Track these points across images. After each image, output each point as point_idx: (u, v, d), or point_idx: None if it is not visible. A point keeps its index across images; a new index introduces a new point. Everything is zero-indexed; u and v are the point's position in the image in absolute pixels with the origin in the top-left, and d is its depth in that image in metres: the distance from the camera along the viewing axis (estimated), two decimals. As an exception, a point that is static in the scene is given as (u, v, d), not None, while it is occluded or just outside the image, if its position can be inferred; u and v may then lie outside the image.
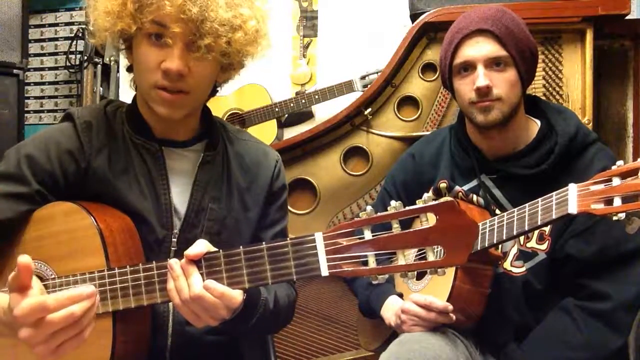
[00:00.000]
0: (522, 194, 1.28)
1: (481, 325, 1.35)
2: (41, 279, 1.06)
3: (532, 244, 1.34)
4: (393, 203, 0.88)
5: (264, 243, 0.95)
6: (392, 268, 0.88)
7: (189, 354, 1.18)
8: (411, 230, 0.86)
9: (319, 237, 0.91)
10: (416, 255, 1.31)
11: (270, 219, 1.28)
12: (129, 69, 1.18)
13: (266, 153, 1.30)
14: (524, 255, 1.35)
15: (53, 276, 1.06)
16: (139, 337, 1.09)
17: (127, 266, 1.01)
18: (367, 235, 0.87)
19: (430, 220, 0.85)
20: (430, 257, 0.86)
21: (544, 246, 1.33)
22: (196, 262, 0.97)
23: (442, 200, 1.42)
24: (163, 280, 1.00)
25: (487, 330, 1.36)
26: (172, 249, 1.15)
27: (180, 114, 1.12)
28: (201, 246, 0.99)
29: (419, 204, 0.86)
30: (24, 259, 0.86)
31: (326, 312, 2.09)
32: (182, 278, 0.97)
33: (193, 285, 0.96)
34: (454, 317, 1.27)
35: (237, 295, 0.97)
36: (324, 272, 0.90)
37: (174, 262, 0.98)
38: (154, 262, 1.00)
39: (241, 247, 0.96)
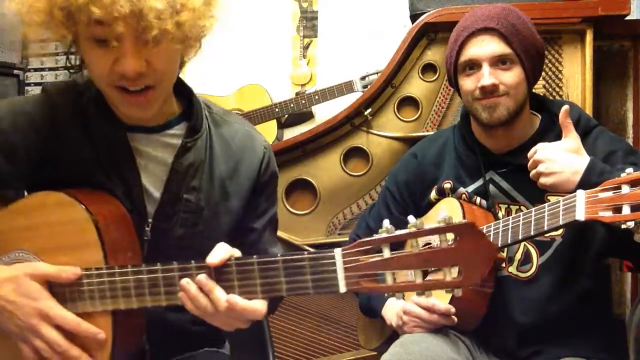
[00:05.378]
0: (532, 184, 1.28)
1: (484, 327, 1.35)
2: None
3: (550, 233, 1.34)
4: (412, 221, 0.88)
5: (279, 255, 0.94)
6: (409, 286, 0.88)
7: (170, 343, 1.16)
8: (430, 250, 0.87)
9: (338, 253, 0.90)
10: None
11: (261, 208, 1.22)
12: (83, 62, 1.08)
13: (253, 137, 1.20)
14: (542, 246, 1.34)
15: None
16: (136, 329, 1.07)
17: (129, 266, 1.00)
18: (386, 252, 0.87)
19: (449, 238, 0.86)
20: (447, 276, 0.86)
21: (559, 230, 1.32)
22: (206, 268, 0.95)
23: (448, 198, 1.44)
24: (169, 283, 0.97)
25: (490, 332, 1.36)
26: (145, 238, 1.10)
27: (152, 112, 1.04)
28: (222, 252, 0.95)
29: (440, 223, 0.86)
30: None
31: (326, 312, 2.09)
32: (201, 297, 0.94)
33: (217, 301, 0.93)
34: (455, 319, 1.27)
35: (260, 307, 0.94)
36: (342, 288, 0.90)
37: (186, 282, 0.94)
38: (158, 264, 0.98)
39: (255, 256, 0.95)
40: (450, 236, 0.86)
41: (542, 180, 1.23)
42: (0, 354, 1.05)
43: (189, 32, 0.97)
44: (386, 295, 0.91)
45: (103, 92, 1.05)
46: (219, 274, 0.95)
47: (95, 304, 1.00)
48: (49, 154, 1.08)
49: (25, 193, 1.14)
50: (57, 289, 1.00)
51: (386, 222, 0.88)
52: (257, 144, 1.19)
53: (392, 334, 1.43)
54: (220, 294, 0.93)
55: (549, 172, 1.22)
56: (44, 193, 1.06)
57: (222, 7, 1.03)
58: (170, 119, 1.12)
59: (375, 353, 1.63)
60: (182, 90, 1.15)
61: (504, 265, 1.36)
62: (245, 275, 0.94)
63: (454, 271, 0.86)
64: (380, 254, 0.87)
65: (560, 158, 1.22)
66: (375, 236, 0.88)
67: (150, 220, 1.10)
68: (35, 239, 1.05)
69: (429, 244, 1.13)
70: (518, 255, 1.36)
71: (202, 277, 0.94)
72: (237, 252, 0.98)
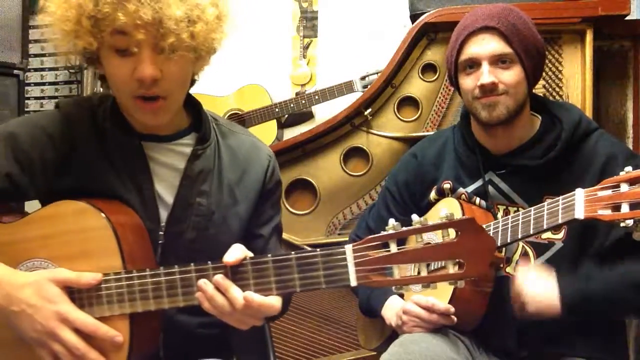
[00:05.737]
0: (531, 186, 1.28)
1: (484, 327, 1.35)
2: None
3: (547, 234, 1.33)
4: (416, 218, 0.93)
5: (292, 252, 0.98)
6: (415, 279, 0.94)
7: (182, 348, 1.18)
8: (434, 244, 0.92)
9: (348, 249, 0.95)
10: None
11: (267, 215, 1.27)
12: (102, 78, 1.15)
13: (258, 147, 1.28)
14: (539, 248, 1.34)
15: None
16: (152, 332, 1.10)
17: (147, 269, 1.02)
18: (393, 248, 0.93)
19: (451, 234, 0.92)
20: (450, 269, 0.92)
21: (560, 235, 1.32)
22: (222, 269, 0.98)
23: (448, 198, 1.44)
24: (187, 284, 1.00)
25: (489, 333, 1.36)
26: (159, 242, 1.14)
27: (165, 120, 1.11)
28: (238, 252, 0.99)
29: (442, 219, 0.91)
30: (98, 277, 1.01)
31: (326, 312, 2.09)
32: (218, 296, 0.97)
33: (234, 300, 0.97)
34: (455, 319, 1.27)
35: (275, 302, 0.99)
36: (353, 282, 0.95)
37: (203, 283, 0.98)
38: (175, 266, 1.01)
39: (269, 255, 0.99)
40: (452, 231, 0.91)
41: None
42: None
43: (202, 43, 1.05)
44: (393, 288, 0.96)
45: (121, 101, 1.11)
46: (235, 273, 0.99)
47: (113, 308, 1.02)
48: (65, 166, 1.12)
49: (27, 205, 1.16)
50: (76, 295, 1.02)
51: (392, 221, 0.94)
52: (262, 153, 1.27)
53: (392, 334, 1.43)
54: (236, 292, 0.97)
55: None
56: (60, 202, 1.08)
57: (231, 24, 1.11)
58: (180, 130, 1.19)
59: (375, 353, 1.63)
60: (191, 104, 1.22)
61: (502, 265, 1.36)
62: (261, 273, 0.98)
63: (457, 264, 0.92)
64: (388, 250, 0.93)
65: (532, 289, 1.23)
66: (383, 233, 0.93)
67: (163, 224, 1.15)
68: (52, 247, 1.06)
69: (429, 243, 1.14)
70: (516, 256, 1.36)
71: (219, 277, 0.98)
72: (251, 253, 1.01)
